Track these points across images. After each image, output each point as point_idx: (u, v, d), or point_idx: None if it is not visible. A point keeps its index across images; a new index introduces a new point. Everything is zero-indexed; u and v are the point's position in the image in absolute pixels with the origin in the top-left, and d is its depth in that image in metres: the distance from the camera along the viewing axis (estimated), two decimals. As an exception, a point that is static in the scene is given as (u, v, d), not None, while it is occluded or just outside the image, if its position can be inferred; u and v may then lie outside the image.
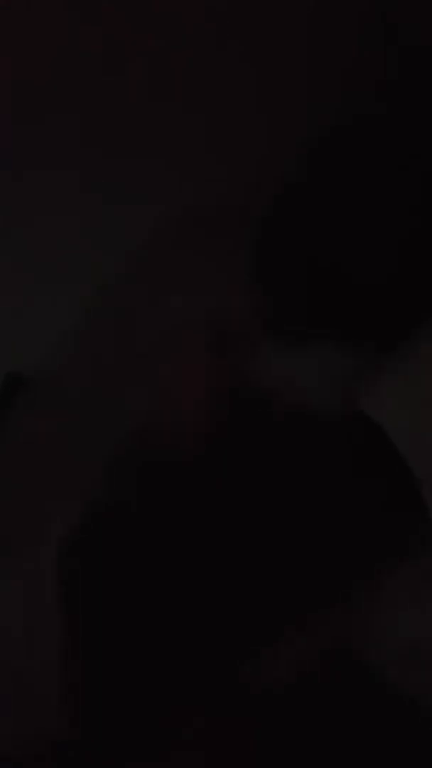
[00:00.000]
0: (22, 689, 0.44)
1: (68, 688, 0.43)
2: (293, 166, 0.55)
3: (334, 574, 0.43)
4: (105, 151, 0.63)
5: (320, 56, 0.60)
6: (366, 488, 0.43)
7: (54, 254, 0.64)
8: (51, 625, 0.44)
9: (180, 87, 0.62)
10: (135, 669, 0.44)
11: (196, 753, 0.43)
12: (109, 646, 0.44)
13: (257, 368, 0.49)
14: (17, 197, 0.64)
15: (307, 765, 0.44)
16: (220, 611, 0.43)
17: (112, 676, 0.43)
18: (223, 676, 0.43)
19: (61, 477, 0.55)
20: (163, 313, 0.54)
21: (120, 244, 0.63)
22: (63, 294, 0.65)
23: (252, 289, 0.52)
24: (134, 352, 0.56)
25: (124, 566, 0.44)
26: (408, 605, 0.44)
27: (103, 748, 0.42)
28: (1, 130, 0.62)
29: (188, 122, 0.62)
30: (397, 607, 0.44)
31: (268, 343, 0.50)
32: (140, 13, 0.60)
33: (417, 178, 0.50)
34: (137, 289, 0.56)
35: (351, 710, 0.43)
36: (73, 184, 0.63)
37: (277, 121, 0.61)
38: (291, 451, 0.45)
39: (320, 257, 0.50)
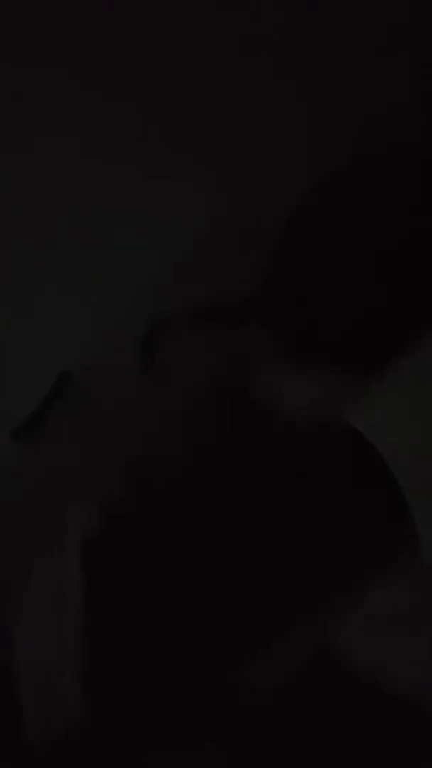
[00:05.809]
0: (45, 679, 0.46)
1: (85, 679, 0.45)
2: (303, 199, 0.57)
3: (323, 582, 0.45)
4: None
5: (339, 89, 0.62)
6: (356, 500, 0.45)
7: (108, 258, 0.68)
8: (72, 617, 0.46)
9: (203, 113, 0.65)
10: (139, 669, 0.46)
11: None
12: (117, 647, 0.46)
13: (264, 387, 0.51)
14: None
15: (301, 764, 0.46)
16: (216, 615, 0.45)
17: (119, 673, 0.46)
18: (218, 678, 0.45)
19: (83, 481, 0.57)
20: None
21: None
22: (117, 297, 0.67)
23: (263, 321, 0.54)
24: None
25: (131, 573, 0.47)
26: (395, 613, 0.45)
27: (112, 740, 0.45)
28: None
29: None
30: (385, 615, 0.45)
31: (275, 366, 0.52)
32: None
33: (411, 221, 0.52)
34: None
35: (337, 711, 0.45)
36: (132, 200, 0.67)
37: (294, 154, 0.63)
38: (287, 463, 0.47)
39: (319, 296, 0.53)
